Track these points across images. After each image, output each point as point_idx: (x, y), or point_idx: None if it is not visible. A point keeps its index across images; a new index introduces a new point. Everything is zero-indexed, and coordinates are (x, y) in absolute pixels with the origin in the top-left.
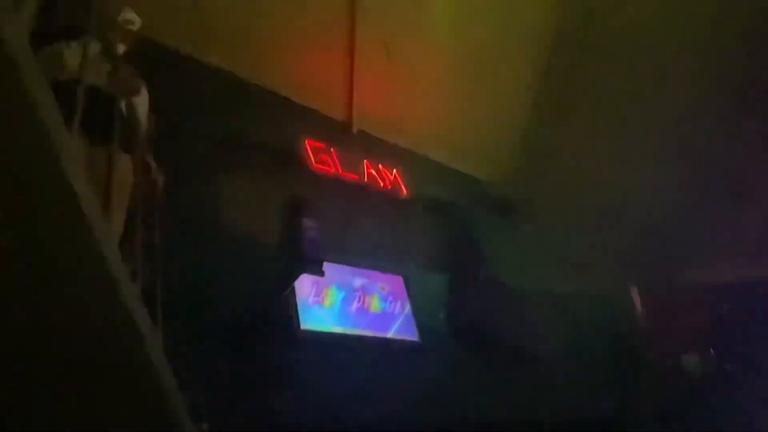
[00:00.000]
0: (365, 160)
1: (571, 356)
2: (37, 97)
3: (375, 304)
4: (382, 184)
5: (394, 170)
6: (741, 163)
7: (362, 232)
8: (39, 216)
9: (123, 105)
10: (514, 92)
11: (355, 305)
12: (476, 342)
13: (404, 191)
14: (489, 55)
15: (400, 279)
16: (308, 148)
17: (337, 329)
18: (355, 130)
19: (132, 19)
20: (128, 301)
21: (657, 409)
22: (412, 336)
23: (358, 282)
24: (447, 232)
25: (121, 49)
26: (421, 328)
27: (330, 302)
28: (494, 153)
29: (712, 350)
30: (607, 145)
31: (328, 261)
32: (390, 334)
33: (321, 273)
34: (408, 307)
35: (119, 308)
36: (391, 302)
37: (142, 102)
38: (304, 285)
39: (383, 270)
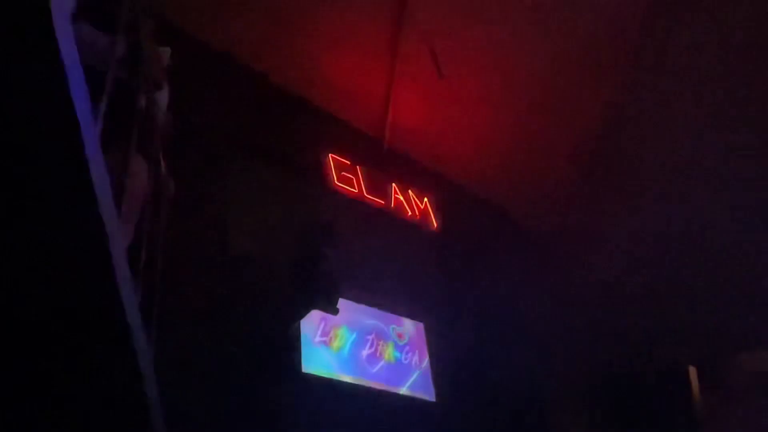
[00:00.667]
0: (393, 183)
1: None
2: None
3: (389, 353)
4: (409, 213)
5: (426, 198)
6: None
7: (381, 266)
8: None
9: (143, 100)
10: (575, 133)
11: (366, 351)
12: (502, 412)
13: (434, 224)
14: (555, 85)
15: (420, 326)
16: (331, 163)
17: (343, 377)
18: (386, 147)
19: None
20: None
21: None
22: (428, 395)
23: (371, 324)
24: (479, 276)
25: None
26: (440, 387)
27: (338, 345)
28: (544, 197)
29: None
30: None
31: (341, 297)
32: (402, 390)
33: (335, 311)
34: (426, 361)
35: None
36: (407, 352)
37: (162, 98)
38: (311, 320)
39: (402, 313)
